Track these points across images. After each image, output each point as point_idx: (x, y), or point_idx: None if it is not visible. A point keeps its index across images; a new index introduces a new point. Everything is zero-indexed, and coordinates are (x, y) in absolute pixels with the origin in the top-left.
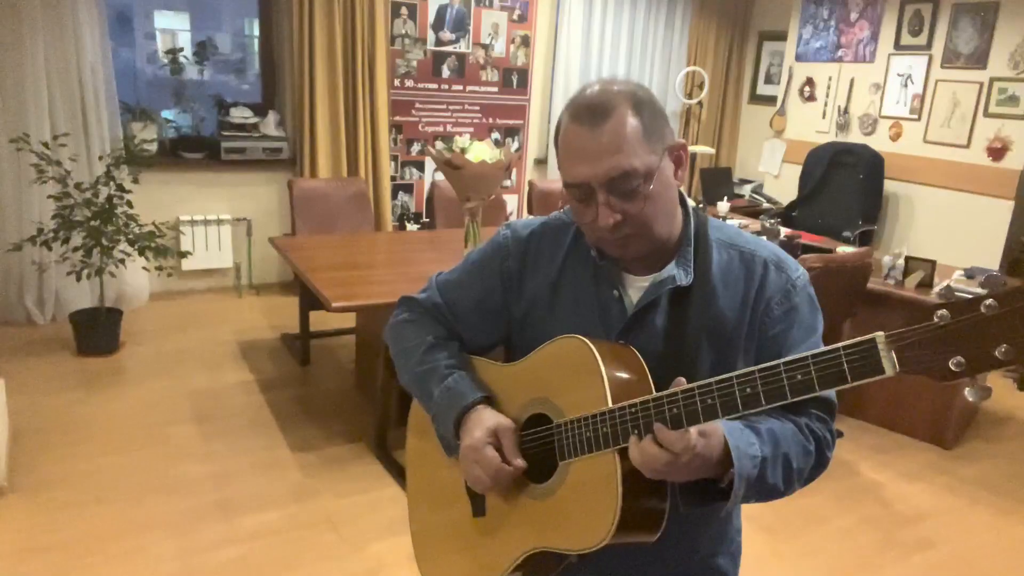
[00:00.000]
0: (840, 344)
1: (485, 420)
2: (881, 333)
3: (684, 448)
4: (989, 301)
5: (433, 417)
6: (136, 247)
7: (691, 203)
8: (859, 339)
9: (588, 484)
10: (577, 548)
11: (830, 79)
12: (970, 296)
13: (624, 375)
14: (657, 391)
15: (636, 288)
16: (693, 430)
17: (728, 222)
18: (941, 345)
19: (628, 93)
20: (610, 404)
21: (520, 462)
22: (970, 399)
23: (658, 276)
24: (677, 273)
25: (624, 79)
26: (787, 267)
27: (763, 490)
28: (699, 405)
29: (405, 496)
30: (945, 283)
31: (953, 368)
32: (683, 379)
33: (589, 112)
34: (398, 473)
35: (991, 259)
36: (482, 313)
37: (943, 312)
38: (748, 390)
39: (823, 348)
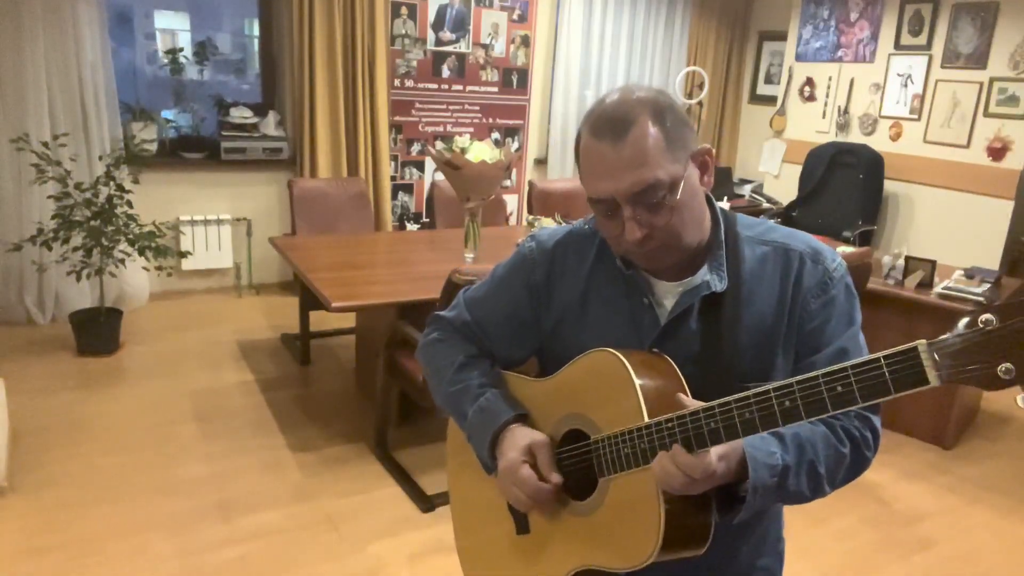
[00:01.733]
0: (881, 353)
1: (519, 439)
2: (923, 341)
3: (703, 474)
4: None
5: (468, 437)
6: (136, 247)
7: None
8: (900, 348)
9: (630, 502)
10: (622, 567)
11: (830, 79)
12: (1017, 300)
13: (659, 387)
14: (695, 399)
15: (668, 295)
16: (713, 454)
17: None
18: (988, 352)
19: (648, 101)
20: (646, 419)
21: (556, 478)
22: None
23: (691, 282)
24: (711, 279)
25: (644, 86)
26: (824, 258)
27: (786, 497)
28: (737, 419)
29: (405, 496)
30: (989, 286)
31: (1002, 376)
32: (686, 398)
33: (609, 125)
34: (398, 473)
35: (991, 259)
36: (511, 327)
37: (988, 316)
38: (787, 403)
39: (863, 358)
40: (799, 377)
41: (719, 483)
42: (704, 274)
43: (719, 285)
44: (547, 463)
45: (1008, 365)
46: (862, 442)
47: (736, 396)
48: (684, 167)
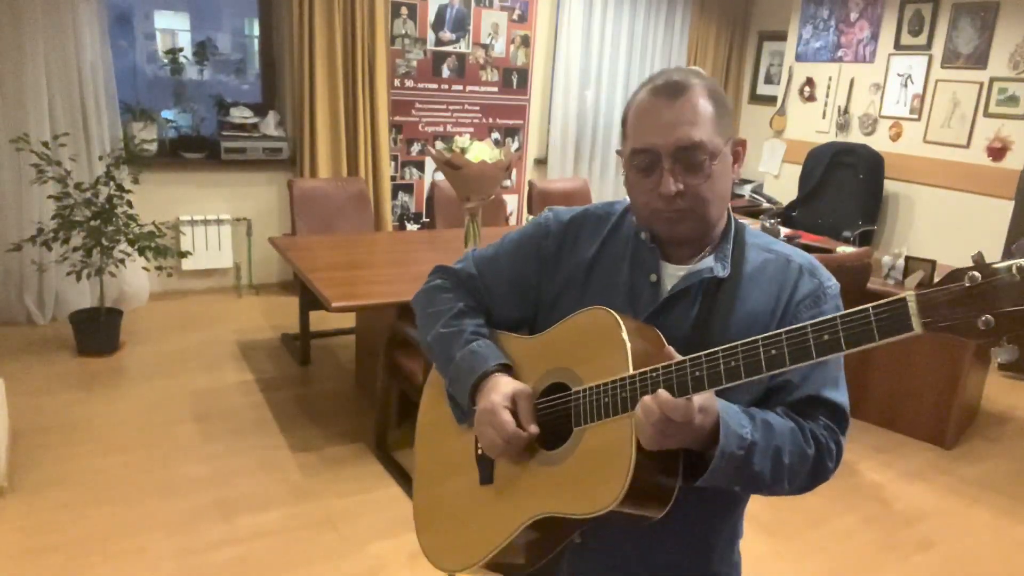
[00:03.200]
0: (870, 304)
1: (503, 385)
2: (912, 291)
3: (683, 416)
4: (1021, 263)
5: (450, 380)
6: (136, 247)
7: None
8: (890, 299)
9: (602, 449)
10: (583, 512)
11: (830, 79)
12: (1001, 262)
13: (646, 347)
14: None
15: (671, 276)
16: (696, 403)
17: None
18: (970, 304)
19: (707, 82)
20: (631, 370)
21: (534, 428)
22: (999, 359)
23: (696, 266)
24: (715, 265)
25: (705, 73)
26: (820, 274)
27: (747, 476)
28: (722, 367)
29: (405, 496)
30: (977, 251)
31: (981, 327)
32: (674, 351)
33: (668, 87)
34: (398, 473)
35: (991, 259)
36: (514, 290)
37: (974, 274)
38: (773, 351)
39: (855, 309)
40: (787, 328)
41: (694, 438)
42: (709, 261)
43: (722, 272)
44: (528, 413)
45: (988, 317)
46: (826, 450)
47: (724, 346)
48: (724, 144)
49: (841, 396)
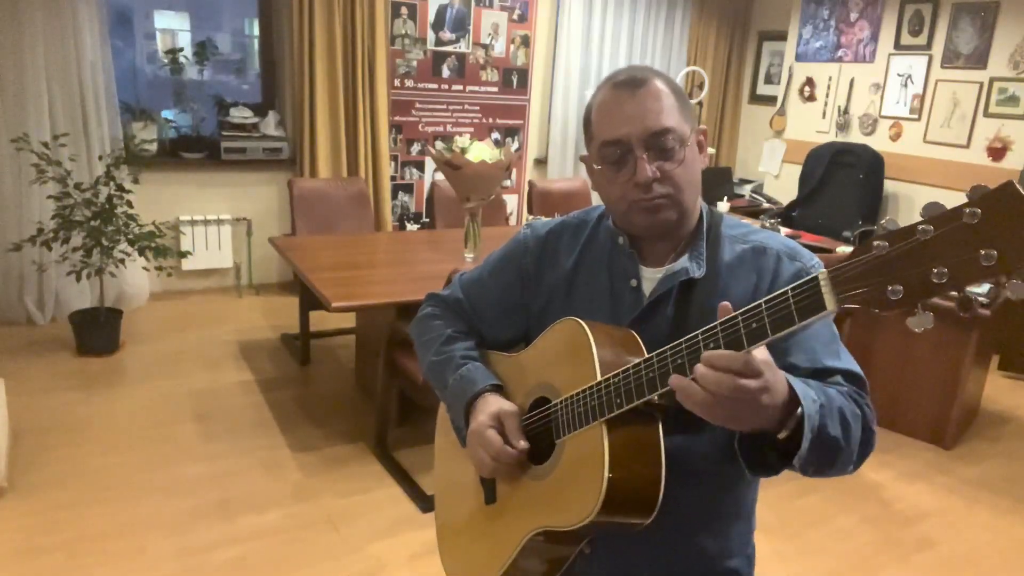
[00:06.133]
0: (788, 287)
1: (489, 405)
2: (824, 270)
3: (744, 367)
4: (924, 226)
5: (448, 406)
6: (136, 247)
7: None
8: (805, 279)
9: (580, 459)
10: (569, 524)
11: (830, 79)
12: (907, 226)
13: (616, 351)
14: None
15: (649, 280)
16: (760, 357)
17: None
18: (879, 275)
19: (662, 74)
20: (599, 377)
21: (523, 444)
22: (913, 328)
23: (672, 268)
24: (690, 266)
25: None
26: (801, 256)
27: (823, 446)
28: (670, 365)
29: (405, 496)
30: (887, 217)
31: (890, 297)
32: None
33: (629, 80)
34: (398, 473)
35: None
36: (502, 309)
37: (881, 243)
38: (712, 344)
39: (775, 293)
40: (724, 318)
41: (771, 402)
42: (684, 261)
43: (697, 272)
44: (514, 430)
45: (897, 287)
46: (867, 408)
47: (671, 344)
48: (690, 132)
49: (851, 364)
